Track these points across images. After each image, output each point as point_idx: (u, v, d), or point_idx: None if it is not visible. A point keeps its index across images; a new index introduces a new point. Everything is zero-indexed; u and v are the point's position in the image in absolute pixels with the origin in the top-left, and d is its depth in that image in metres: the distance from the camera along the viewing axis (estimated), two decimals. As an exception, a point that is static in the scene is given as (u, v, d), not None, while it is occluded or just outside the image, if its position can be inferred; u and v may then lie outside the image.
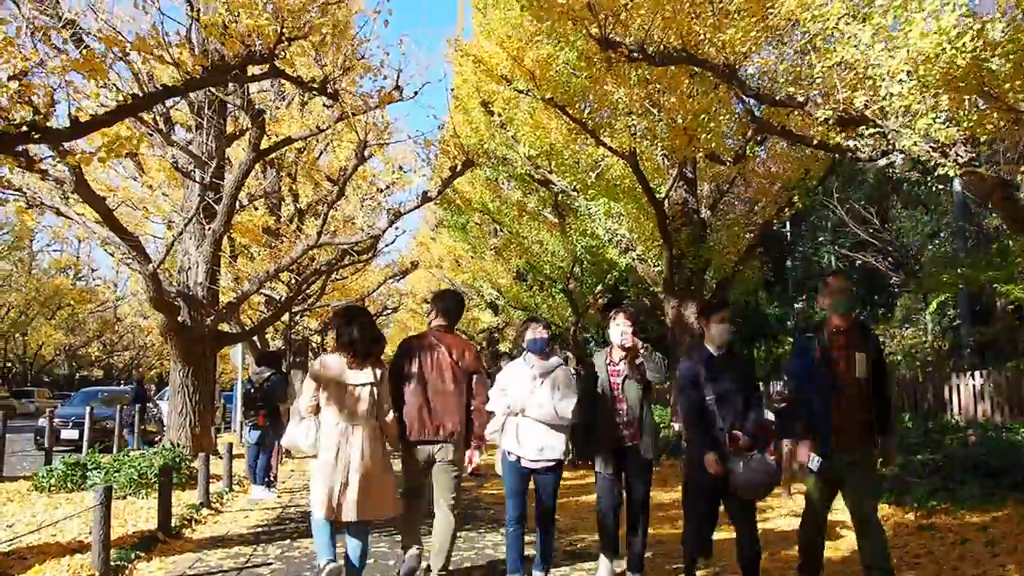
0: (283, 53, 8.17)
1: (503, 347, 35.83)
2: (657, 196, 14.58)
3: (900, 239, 28.36)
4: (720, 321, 5.75)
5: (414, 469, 5.85)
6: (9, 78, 6.99)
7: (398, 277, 27.19)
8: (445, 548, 5.73)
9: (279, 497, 10.67)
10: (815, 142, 8.29)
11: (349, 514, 5.32)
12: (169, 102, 15.40)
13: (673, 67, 9.03)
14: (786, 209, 16.13)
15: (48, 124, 7.08)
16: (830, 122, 7.74)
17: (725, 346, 5.76)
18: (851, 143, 8.52)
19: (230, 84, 13.90)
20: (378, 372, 5.55)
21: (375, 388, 5.51)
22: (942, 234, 28.17)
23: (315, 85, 8.20)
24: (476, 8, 18.88)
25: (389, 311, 35.01)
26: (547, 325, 6.31)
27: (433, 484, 5.84)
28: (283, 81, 19.22)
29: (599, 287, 23.85)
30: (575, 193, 16.50)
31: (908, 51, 6.43)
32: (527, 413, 5.89)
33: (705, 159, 15.31)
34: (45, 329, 47.74)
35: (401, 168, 17.39)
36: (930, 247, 28.50)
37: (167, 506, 7.52)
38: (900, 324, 29.32)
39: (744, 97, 8.77)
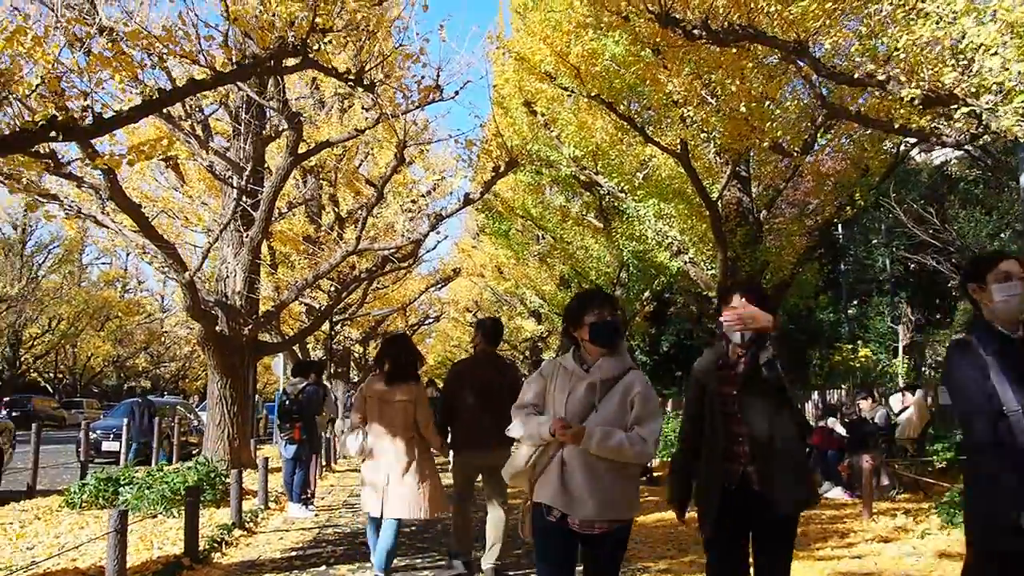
0: (317, 44, 7.70)
1: (547, 356, 35.20)
2: (710, 196, 13.91)
3: (961, 240, 27.37)
4: (1003, 279, 3.38)
5: (465, 476, 6.77)
6: (39, 83, 6.60)
7: (440, 285, 26.74)
8: (499, 542, 6.50)
9: (317, 515, 10.12)
10: (896, 126, 7.63)
11: (388, 512, 6.13)
12: (208, 109, 15.12)
13: (734, 50, 8.41)
14: (847, 208, 15.38)
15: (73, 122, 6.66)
16: (915, 102, 7.08)
17: (1020, 322, 3.41)
18: (937, 126, 7.86)
19: (268, 87, 13.57)
20: (415, 391, 6.36)
21: (412, 405, 6.30)
22: (1003, 235, 27.19)
23: (351, 76, 7.70)
24: (515, 12, 18.38)
25: (431, 320, 34.50)
26: (617, 304, 4.24)
27: (485, 487, 6.71)
28: (321, 88, 18.88)
29: (646, 293, 23.12)
30: (623, 194, 15.85)
31: (1004, 21, 5.76)
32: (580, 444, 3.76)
33: (767, 150, 14.65)
34: (94, 341, 48.19)
35: (442, 175, 16.98)
36: (991, 248, 27.50)
37: (194, 528, 6.99)
38: (961, 329, 28.24)
39: (814, 79, 8.13)
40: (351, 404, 19.19)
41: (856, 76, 7.29)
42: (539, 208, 22.52)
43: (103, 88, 7.24)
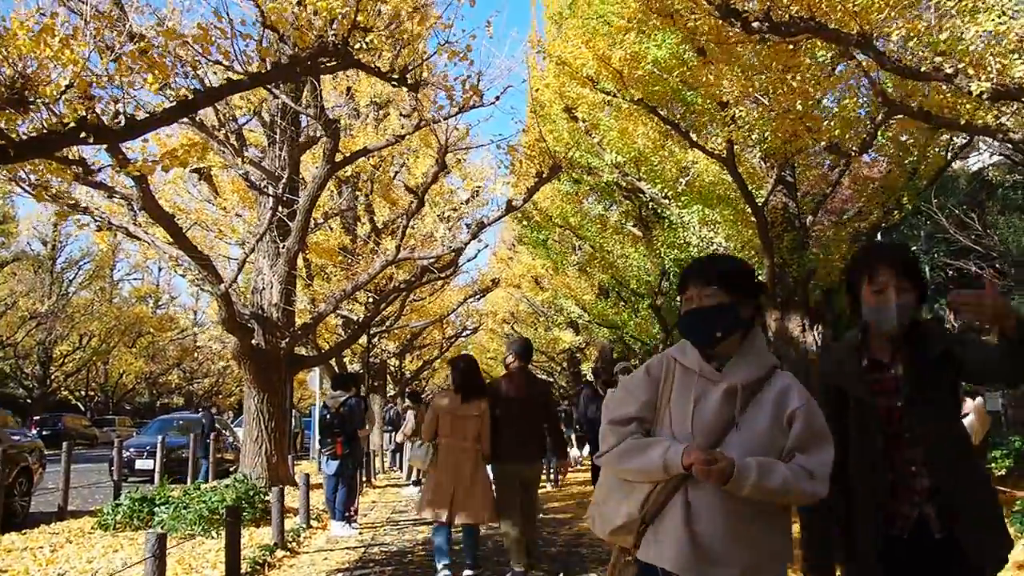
0: (359, 43, 7.37)
1: (585, 367, 34.73)
2: (756, 201, 13.48)
3: (1004, 245, 26.77)
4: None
5: (508, 485, 6.90)
6: (67, 86, 6.32)
7: (478, 296, 26.35)
8: (533, 542, 7.15)
9: (361, 534, 9.70)
10: (961, 123, 7.19)
11: (460, 518, 6.69)
12: (241, 119, 14.88)
13: (791, 46, 8.00)
14: (895, 212, 14.90)
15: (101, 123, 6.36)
16: (984, 96, 6.64)
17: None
18: (1003, 123, 7.43)
19: (304, 95, 13.30)
20: (482, 406, 6.92)
21: (480, 418, 6.88)
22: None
23: (394, 75, 7.34)
24: (551, 20, 18.03)
25: (468, 332, 34.08)
26: (736, 274, 2.79)
27: (523, 493, 6.98)
28: (356, 98, 18.63)
29: (687, 301, 22.63)
30: (666, 201, 15.44)
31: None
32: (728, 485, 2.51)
33: (812, 155, 14.16)
34: (126, 357, 47.94)
35: (481, 184, 16.66)
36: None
37: (235, 551, 6.58)
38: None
39: (873, 74, 7.68)
40: (389, 418, 18.89)
41: (923, 70, 6.86)
42: (578, 217, 22.22)
43: (134, 91, 6.97)
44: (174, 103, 6.81)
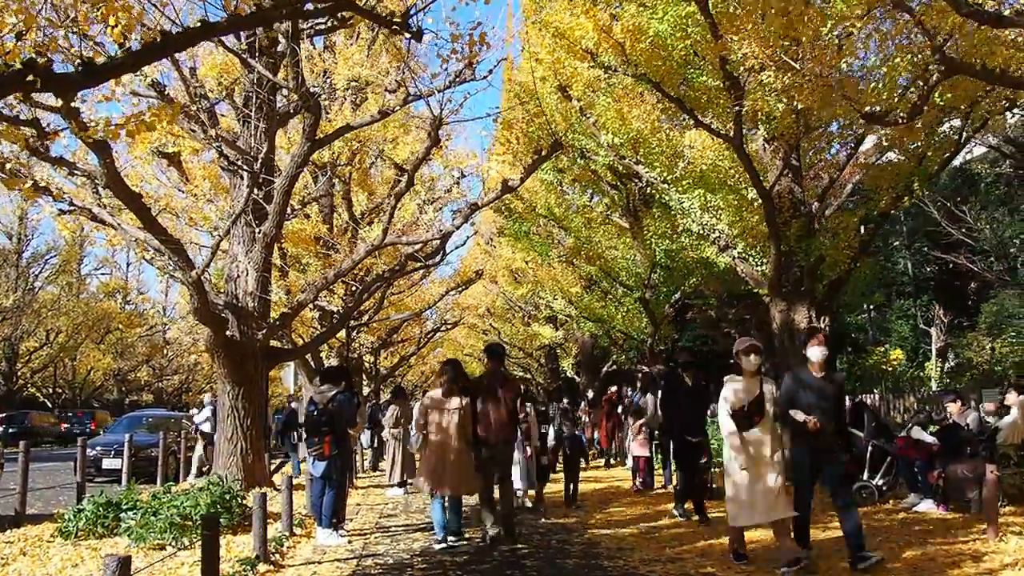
0: (350, -13, 6.45)
1: (565, 364, 33.78)
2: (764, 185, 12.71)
3: (997, 238, 26.34)
4: None
5: (484, 463, 8.36)
6: (17, 36, 5.37)
7: (460, 288, 25.43)
8: (511, 513, 8.56)
9: (350, 543, 8.66)
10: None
11: (448, 491, 8.30)
12: (213, 96, 13.88)
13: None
14: (904, 198, 14.20)
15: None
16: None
17: None
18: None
19: (280, 74, 12.32)
20: (465, 400, 8.38)
21: (463, 410, 8.34)
22: (1025, 235, 26.63)
23: (395, 20, 6.42)
24: (533, 2, 17.15)
25: (448, 326, 32.96)
26: None
27: (495, 472, 8.48)
28: (333, 80, 17.68)
29: (676, 295, 21.86)
30: (666, 185, 14.62)
31: None
32: None
33: (818, 138, 13.48)
34: (94, 354, 46.91)
35: (463, 172, 15.82)
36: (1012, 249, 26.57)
37: (214, 568, 5.57)
38: (988, 331, 27.01)
39: (931, 28, 6.86)
40: (371, 415, 17.92)
41: (1006, 13, 6.05)
42: (562, 208, 21.48)
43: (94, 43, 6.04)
44: (142, 45, 5.85)
